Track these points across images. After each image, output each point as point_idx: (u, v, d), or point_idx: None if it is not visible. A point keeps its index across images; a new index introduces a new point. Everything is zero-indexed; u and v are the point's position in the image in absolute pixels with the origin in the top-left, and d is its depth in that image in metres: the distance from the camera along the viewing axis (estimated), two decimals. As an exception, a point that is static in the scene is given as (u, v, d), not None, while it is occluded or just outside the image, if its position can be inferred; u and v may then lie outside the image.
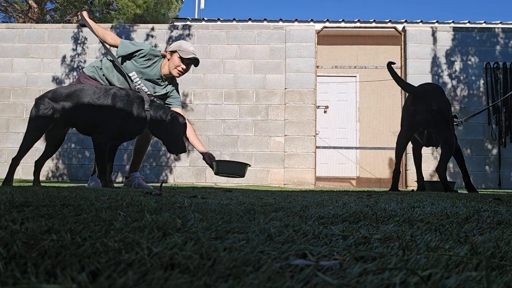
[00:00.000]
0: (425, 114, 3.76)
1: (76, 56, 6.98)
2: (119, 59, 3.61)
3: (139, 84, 3.66)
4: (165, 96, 3.78)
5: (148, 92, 3.65)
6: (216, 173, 3.55)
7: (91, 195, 1.83)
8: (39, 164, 3.58)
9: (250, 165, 3.68)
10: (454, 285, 0.54)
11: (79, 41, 7.02)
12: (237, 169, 3.54)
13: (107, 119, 3.31)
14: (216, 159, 3.64)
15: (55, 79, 6.91)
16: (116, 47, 3.62)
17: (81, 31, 7.01)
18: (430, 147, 4.57)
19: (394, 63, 4.31)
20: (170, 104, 3.78)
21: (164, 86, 3.75)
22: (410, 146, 5.02)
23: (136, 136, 3.68)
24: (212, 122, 6.74)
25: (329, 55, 8.17)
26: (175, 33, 6.99)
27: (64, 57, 6.97)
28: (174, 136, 3.37)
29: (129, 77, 3.62)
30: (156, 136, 3.52)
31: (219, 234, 0.87)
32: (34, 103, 3.38)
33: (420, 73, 6.70)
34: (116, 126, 3.33)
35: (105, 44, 3.68)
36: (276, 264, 0.63)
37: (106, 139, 3.34)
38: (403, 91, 6.71)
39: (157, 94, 3.73)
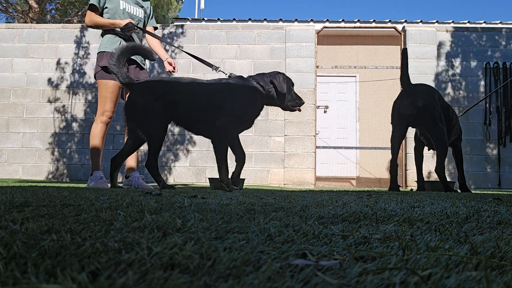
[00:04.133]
0: (409, 108, 3.83)
1: (77, 56, 6.97)
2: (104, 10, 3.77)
3: (134, 14, 3.85)
4: (148, 11, 4.00)
5: (141, 16, 3.89)
6: (212, 189, 3.63)
7: (91, 195, 1.83)
8: (117, 163, 3.32)
9: (244, 179, 3.82)
10: (454, 285, 0.54)
11: (79, 41, 7.02)
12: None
13: (232, 107, 3.19)
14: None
15: (55, 79, 6.91)
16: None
17: (83, 31, 7.01)
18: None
19: (406, 49, 4.41)
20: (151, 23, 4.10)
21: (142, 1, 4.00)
22: (412, 145, 5.05)
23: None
24: (212, 122, 6.74)
25: (329, 55, 8.16)
26: (174, 35, 6.98)
27: (59, 60, 6.97)
28: (284, 95, 3.37)
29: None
30: (272, 105, 3.48)
31: (219, 234, 0.87)
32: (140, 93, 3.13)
33: (420, 73, 6.70)
34: (240, 113, 3.24)
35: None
36: (276, 264, 0.63)
37: (233, 128, 3.26)
38: (403, 91, 6.72)
39: (145, 7, 3.95)
